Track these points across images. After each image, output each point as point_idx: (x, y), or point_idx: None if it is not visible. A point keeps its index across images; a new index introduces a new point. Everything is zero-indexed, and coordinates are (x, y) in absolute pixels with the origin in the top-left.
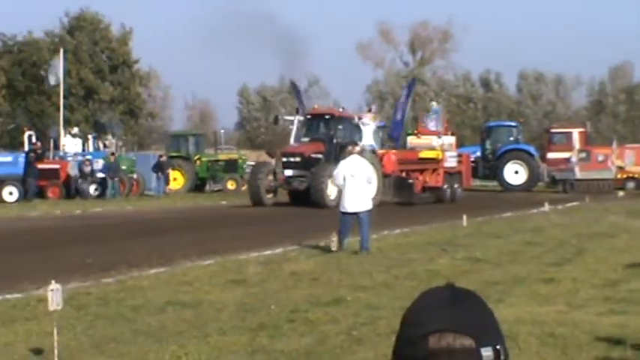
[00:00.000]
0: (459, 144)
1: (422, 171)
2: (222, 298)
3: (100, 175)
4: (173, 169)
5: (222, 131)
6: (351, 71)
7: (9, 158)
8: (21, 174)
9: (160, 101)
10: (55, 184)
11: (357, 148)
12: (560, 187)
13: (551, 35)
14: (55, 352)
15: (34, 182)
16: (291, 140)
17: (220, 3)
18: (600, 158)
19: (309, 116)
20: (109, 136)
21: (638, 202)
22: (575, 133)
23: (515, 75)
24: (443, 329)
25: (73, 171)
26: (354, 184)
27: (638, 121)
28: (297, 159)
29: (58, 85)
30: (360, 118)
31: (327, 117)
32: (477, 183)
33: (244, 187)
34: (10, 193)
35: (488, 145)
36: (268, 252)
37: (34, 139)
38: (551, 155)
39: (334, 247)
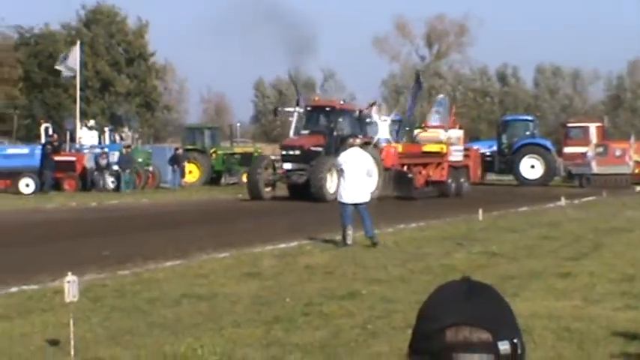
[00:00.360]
0: (476, 138)
1: (425, 165)
2: (238, 291)
3: (116, 167)
4: (189, 161)
5: (238, 124)
6: (367, 65)
7: (25, 150)
8: (37, 166)
9: (175, 94)
10: (72, 177)
11: (358, 141)
12: (577, 182)
13: (568, 29)
14: (71, 343)
15: (50, 174)
16: (291, 133)
17: None
18: (618, 153)
19: (309, 108)
20: (125, 129)
21: None
22: (592, 127)
23: (532, 69)
24: (459, 323)
25: (89, 163)
26: (353, 175)
27: None
28: (297, 152)
29: (73, 77)
30: (361, 111)
31: (327, 109)
32: (492, 177)
33: None
34: (27, 185)
35: (504, 139)
36: (283, 245)
37: (50, 132)
38: (567, 150)
39: (349, 240)
